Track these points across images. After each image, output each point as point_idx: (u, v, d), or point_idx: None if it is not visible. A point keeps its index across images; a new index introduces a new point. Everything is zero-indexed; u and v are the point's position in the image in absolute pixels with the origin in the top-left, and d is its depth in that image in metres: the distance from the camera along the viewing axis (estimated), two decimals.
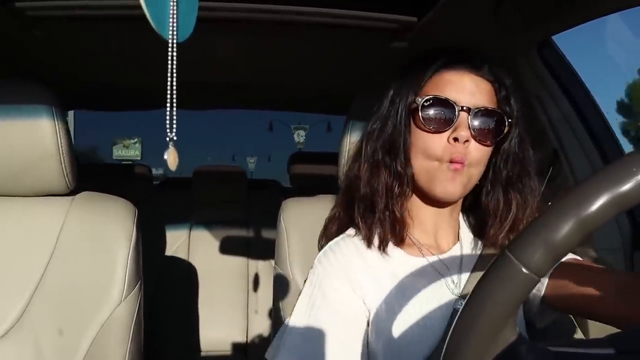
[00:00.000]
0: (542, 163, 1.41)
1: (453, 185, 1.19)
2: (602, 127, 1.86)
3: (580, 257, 1.31)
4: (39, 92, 1.49)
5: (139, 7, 0.67)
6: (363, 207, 1.26)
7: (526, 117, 1.29)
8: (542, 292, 1.21)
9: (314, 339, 1.20)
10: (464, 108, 1.18)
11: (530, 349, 0.66)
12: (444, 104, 1.19)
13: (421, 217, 1.30)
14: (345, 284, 1.22)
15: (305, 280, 1.29)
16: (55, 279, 1.49)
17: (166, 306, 3.16)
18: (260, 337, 3.24)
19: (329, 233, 1.35)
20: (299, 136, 15.74)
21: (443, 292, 1.23)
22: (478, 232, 1.34)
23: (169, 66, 0.68)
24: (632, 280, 1.08)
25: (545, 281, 1.20)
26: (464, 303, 0.64)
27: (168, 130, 0.70)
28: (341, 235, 1.31)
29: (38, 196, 1.57)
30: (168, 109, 0.70)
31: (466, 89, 1.20)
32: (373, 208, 1.24)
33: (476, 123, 1.18)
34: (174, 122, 0.71)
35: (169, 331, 3.17)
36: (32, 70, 2.16)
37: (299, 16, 1.61)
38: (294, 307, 1.26)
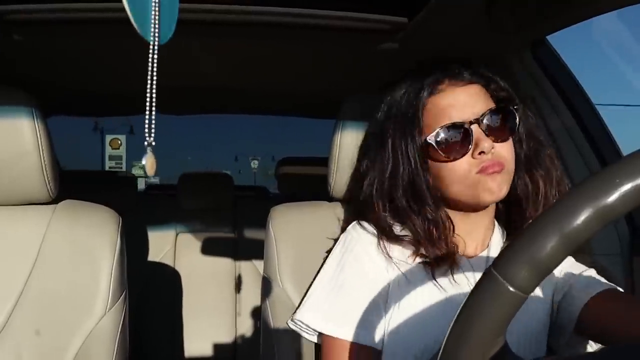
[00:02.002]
0: None
1: (496, 183, 1.20)
2: (599, 128, 1.86)
3: (579, 262, 1.32)
4: (19, 97, 1.48)
5: (122, 10, 0.68)
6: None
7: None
8: (576, 319, 1.21)
9: (339, 296, 1.26)
10: (473, 121, 1.20)
11: None
12: (454, 128, 1.21)
13: (454, 221, 1.31)
14: (375, 250, 1.27)
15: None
16: (37, 291, 1.48)
17: (153, 316, 3.16)
18: (248, 343, 3.24)
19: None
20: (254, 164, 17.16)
21: (461, 291, 1.25)
22: (510, 227, 1.36)
23: (149, 69, 0.69)
24: None
25: (579, 308, 1.20)
26: (453, 320, 0.64)
27: (147, 135, 0.70)
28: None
29: (19, 205, 1.57)
30: (147, 113, 0.70)
31: (463, 103, 1.22)
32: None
33: (490, 128, 1.20)
34: (153, 127, 0.71)
35: (156, 341, 3.17)
36: (12, 76, 2.15)
37: (286, 18, 1.61)
38: (310, 288, 1.33)
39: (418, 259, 1.27)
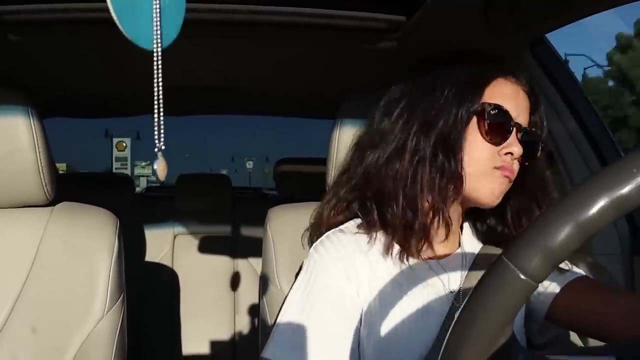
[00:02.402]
0: None
1: (500, 190, 1.21)
2: (599, 128, 1.87)
3: (578, 262, 1.32)
4: (15, 98, 1.48)
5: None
6: (399, 209, 1.21)
7: None
8: (547, 307, 1.22)
9: (305, 330, 1.19)
10: (518, 125, 1.21)
11: (527, 357, 0.66)
12: (506, 116, 1.21)
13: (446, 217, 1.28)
14: (342, 273, 1.21)
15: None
16: (35, 293, 1.48)
17: (151, 317, 3.16)
18: (247, 344, 3.24)
19: (331, 224, 1.32)
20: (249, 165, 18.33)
21: (439, 294, 1.24)
22: (487, 237, 1.35)
23: (155, 72, 0.68)
24: None
25: (551, 296, 1.22)
26: (461, 308, 0.64)
27: (156, 140, 0.70)
28: (341, 227, 1.30)
29: (16, 207, 1.56)
30: (156, 117, 0.70)
31: (520, 105, 1.24)
32: (414, 210, 1.21)
33: (525, 142, 1.21)
34: (162, 131, 0.70)
35: (155, 342, 3.18)
36: (8, 77, 2.15)
37: (282, 17, 1.61)
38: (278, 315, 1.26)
39: (391, 264, 1.24)
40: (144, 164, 14.60)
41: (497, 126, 1.20)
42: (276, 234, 1.63)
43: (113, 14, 0.67)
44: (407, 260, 1.22)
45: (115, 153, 14.33)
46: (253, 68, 2.31)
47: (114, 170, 11.63)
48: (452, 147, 1.19)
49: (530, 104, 1.26)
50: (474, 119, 1.21)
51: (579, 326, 1.22)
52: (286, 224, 1.64)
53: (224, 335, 3.28)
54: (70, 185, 2.23)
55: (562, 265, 1.27)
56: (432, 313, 1.21)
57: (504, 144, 1.20)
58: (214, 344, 3.26)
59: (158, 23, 0.69)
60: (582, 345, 1.49)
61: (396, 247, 1.23)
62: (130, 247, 1.66)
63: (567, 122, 1.81)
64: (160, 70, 0.69)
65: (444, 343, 0.64)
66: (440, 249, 1.30)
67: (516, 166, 1.22)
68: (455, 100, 1.21)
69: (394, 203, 1.21)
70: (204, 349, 3.25)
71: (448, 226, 1.23)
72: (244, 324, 3.31)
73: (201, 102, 3.20)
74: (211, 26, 1.62)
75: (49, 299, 1.49)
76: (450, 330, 0.64)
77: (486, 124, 1.20)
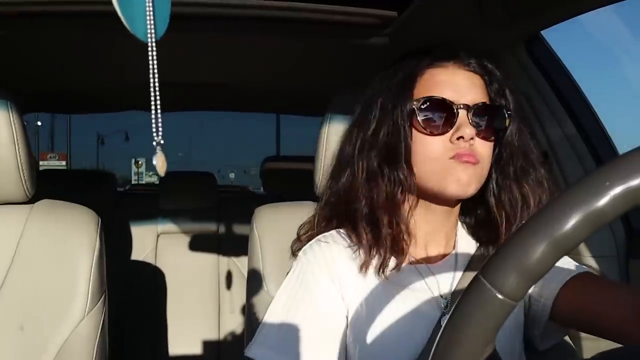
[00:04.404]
0: None
1: (467, 175, 1.19)
2: (595, 126, 1.87)
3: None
4: None
5: (109, 2, 0.67)
6: (365, 224, 1.24)
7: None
8: (550, 307, 1.21)
9: (290, 331, 1.21)
10: (463, 106, 1.19)
11: None
12: (442, 104, 1.20)
13: (411, 226, 1.28)
14: (327, 277, 1.24)
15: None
16: (14, 293, 1.48)
17: (135, 318, 3.15)
18: (232, 344, 3.24)
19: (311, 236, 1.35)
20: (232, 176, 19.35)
21: (428, 299, 1.24)
22: (482, 237, 1.35)
23: (150, 65, 0.68)
24: None
25: (553, 295, 1.20)
26: (442, 329, 0.64)
27: (154, 134, 0.70)
28: (331, 232, 1.32)
29: None
30: (153, 111, 0.69)
31: (461, 86, 1.22)
32: (377, 224, 1.23)
33: (477, 119, 1.20)
34: (160, 126, 0.70)
35: (137, 344, 3.17)
36: None
37: (273, 12, 1.61)
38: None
39: (375, 273, 1.24)
40: (151, 173, 17.22)
41: (436, 117, 1.20)
42: (263, 234, 1.62)
43: (116, 5, 0.67)
44: (386, 270, 1.23)
45: (134, 169, 18.53)
46: (243, 64, 2.31)
47: (132, 182, 12.88)
48: (397, 156, 1.22)
49: (480, 78, 1.25)
50: (413, 118, 1.22)
51: (581, 323, 1.20)
52: (273, 223, 1.64)
53: (209, 335, 3.28)
54: (50, 182, 2.22)
55: (563, 262, 1.27)
56: (422, 318, 1.21)
57: (452, 130, 1.19)
58: (198, 344, 3.26)
59: (151, 14, 0.69)
60: (575, 349, 1.49)
61: (376, 258, 1.24)
62: (113, 246, 1.66)
63: (562, 122, 1.82)
64: (155, 64, 0.69)
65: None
66: (432, 252, 1.30)
67: (480, 147, 1.21)
68: (388, 107, 1.24)
69: (360, 219, 1.25)
70: (188, 350, 3.25)
71: (406, 237, 1.25)
72: (229, 324, 3.30)
73: (190, 98, 3.20)
74: (199, 20, 1.61)
75: (28, 299, 1.48)
76: (432, 351, 0.64)
77: (422, 120, 1.20)
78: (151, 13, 0.68)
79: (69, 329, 1.47)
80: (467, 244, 1.35)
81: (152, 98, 0.68)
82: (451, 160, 1.19)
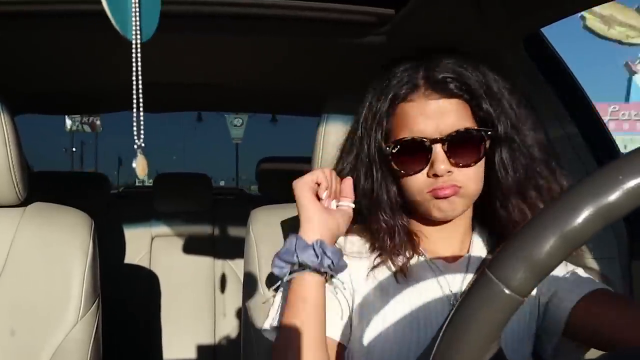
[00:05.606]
0: None
1: (448, 203, 1.21)
2: (595, 126, 1.86)
3: (575, 266, 1.31)
4: None
5: (98, 1, 0.67)
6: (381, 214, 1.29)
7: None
8: (564, 322, 1.20)
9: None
10: (437, 139, 1.19)
11: None
12: (413, 143, 1.20)
13: (424, 231, 1.32)
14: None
15: None
16: (6, 297, 1.47)
17: (128, 323, 3.14)
18: (229, 346, 3.24)
19: None
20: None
21: (439, 295, 1.25)
22: (496, 242, 1.35)
23: (134, 66, 0.68)
24: None
25: (568, 310, 1.20)
26: (446, 323, 0.63)
27: (135, 137, 0.70)
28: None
29: None
30: (135, 114, 0.69)
31: (432, 117, 1.21)
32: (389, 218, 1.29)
33: (453, 150, 1.19)
34: (142, 129, 0.70)
35: (132, 349, 3.16)
36: None
37: (266, 10, 1.60)
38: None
39: (390, 265, 1.27)
40: (151, 180, 18.41)
41: (408, 159, 1.22)
42: (259, 236, 1.62)
43: (105, 5, 0.67)
44: (397, 262, 1.26)
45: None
46: (237, 63, 2.29)
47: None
48: (378, 198, 1.29)
49: (458, 100, 1.24)
50: (389, 163, 1.25)
51: (601, 341, 1.17)
52: (270, 225, 1.64)
53: (204, 338, 3.28)
54: (43, 184, 2.21)
55: (580, 273, 1.27)
56: (430, 312, 1.23)
57: (427, 167, 1.20)
58: (193, 348, 3.25)
59: (137, 15, 0.69)
60: None
61: (388, 249, 1.27)
62: (106, 249, 1.65)
63: (563, 121, 1.81)
64: (139, 65, 0.68)
65: (432, 357, 0.64)
66: (446, 252, 1.32)
67: (461, 175, 1.20)
68: (364, 147, 1.29)
69: (377, 213, 1.29)
70: (183, 354, 3.25)
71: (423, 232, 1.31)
72: (225, 328, 3.30)
73: (181, 99, 3.18)
74: (190, 19, 1.60)
75: (21, 303, 1.47)
76: (436, 345, 0.64)
77: (393, 164, 1.23)
78: (137, 12, 0.68)
79: (62, 334, 1.47)
80: (481, 248, 1.36)
81: (134, 101, 0.68)
82: (430, 194, 1.21)
